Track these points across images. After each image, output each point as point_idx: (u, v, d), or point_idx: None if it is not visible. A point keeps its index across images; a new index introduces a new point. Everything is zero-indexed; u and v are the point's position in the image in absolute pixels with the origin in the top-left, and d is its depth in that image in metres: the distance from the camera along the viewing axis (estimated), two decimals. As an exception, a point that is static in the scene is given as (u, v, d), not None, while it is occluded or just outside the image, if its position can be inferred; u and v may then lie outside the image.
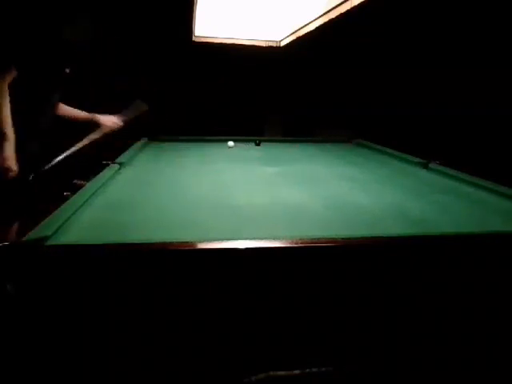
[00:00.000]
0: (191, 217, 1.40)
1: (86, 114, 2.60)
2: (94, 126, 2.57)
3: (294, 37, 2.65)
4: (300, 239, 1.14)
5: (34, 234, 1.12)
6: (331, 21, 2.02)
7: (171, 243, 1.09)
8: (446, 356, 1.15)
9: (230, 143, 3.07)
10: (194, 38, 2.93)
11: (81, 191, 1.57)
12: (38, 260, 1.03)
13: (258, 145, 3.14)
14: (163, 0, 3.78)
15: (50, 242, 1.09)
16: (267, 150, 2.99)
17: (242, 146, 3.09)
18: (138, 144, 2.87)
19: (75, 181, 1.48)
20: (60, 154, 2.45)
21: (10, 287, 0.98)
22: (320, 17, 2.13)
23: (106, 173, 1.93)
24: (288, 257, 1.12)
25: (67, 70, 2.54)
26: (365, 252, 1.14)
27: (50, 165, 2.35)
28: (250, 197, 1.66)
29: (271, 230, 1.28)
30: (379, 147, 2.95)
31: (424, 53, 3.66)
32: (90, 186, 1.67)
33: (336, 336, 1.11)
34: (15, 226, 1.29)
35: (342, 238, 1.15)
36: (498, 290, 1.18)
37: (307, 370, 1.07)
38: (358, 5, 1.76)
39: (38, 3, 2.80)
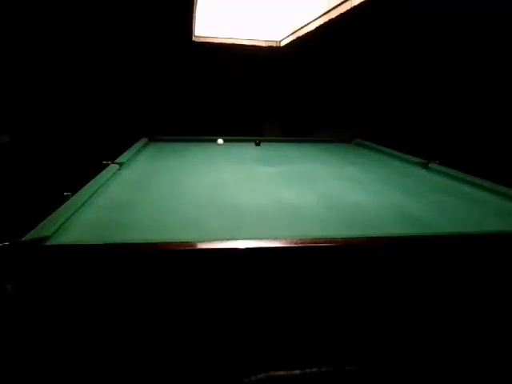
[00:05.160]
0: (191, 217, 1.40)
1: None
2: None
3: (294, 37, 2.65)
4: (300, 239, 1.14)
5: (33, 233, 1.12)
6: (331, 21, 2.02)
7: (171, 243, 1.09)
8: (445, 356, 1.15)
9: (220, 141, 3.10)
10: (193, 38, 2.92)
11: (81, 191, 1.57)
12: (37, 260, 1.03)
13: (258, 145, 3.14)
14: (163, 0, 3.78)
15: (49, 242, 1.09)
16: (267, 149, 2.99)
17: (241, 145, 3.09)
18: (138, 144, 2.87)
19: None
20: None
21: (10, 287, 0.98)
22: (320, 17, 2.13)
23: (105, 173, 1.93)
24: (288, 257, 1.12)
25: None
26: (365, 252, 1.14)
27: None
28: (250, 197, 1.66)
29: (271, 230, 1.28)
30: (379, 147, 2.95)
31: (424, 52, 3.66)
32: (90, 185, 1.67)
33: (336, 336, 1.11)
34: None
35: (342, 238, 1.16)
36: (498, 290, 1.17)
37: (307, 370, 1.07)
38: (358, 5, 1.76)
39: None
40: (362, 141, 3.29)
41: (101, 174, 1.88)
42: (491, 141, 3.18)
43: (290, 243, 1.12)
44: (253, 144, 3.16)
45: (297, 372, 1.07)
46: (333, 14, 1.97)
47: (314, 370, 1.07)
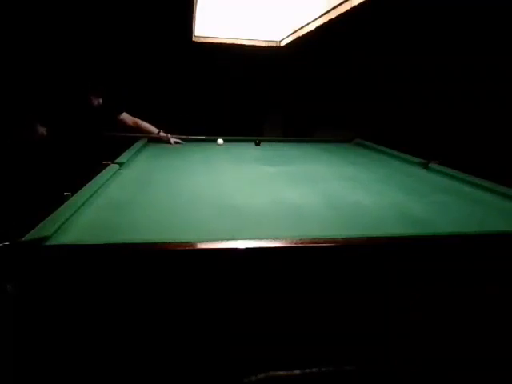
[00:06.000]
0: (191, 217, 1.40)
1: (155, 129, 3.24)
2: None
3: (294, 37, 2.65)
4: (300, 239, 1.14)
5: (33, 233, 1.12)
6: (331, 21, 2.02)
7: (171, 243, 1.09)
8: (445, 356, 1.14)
9: (220, 141, 3.12)
10: (193, 38, 2.92)
11: (81, 191, 1.57)
12: (37, 260, 1.03)
13: (258, 145, 3.14)
14: (163, 0, 3.78)
15: (49, 242, 1.09)
16: (267, 149, 2.99)
17: (241, 145, 3.09)
18: (138, 144, 2.87)
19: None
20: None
21: (10, 287, 0.98)
22: (320, 17, 2.13)
23: (105, 173, 1.93)
24: (288, 257, 1.11)
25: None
26: (365, 252, 1.14)
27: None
28: (250, 197, 1.66)
29: (272, 230, 1.28)
30: (379, 147, 2.95)
31: (425, 52, 3.66)
32: (90, 185, 1.67)
33: (336, 336, 1.11)
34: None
35: (343, 238, 1.15)
36: (499, 290, 1.17)
37: (307, 370, 1.07)
38: (358, 5, 1.75)
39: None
40: (362, 141, 3.30)
41: (101, 174, 1.88)
42: (491, 141, 3.17)
43: (289, 243, 1.12)
44: (253, 144, 3.16)
45: (297, 372, 1.07)
46: (333, 14, 1.97)
47: (314, 370, 1.07)
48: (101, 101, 3.13)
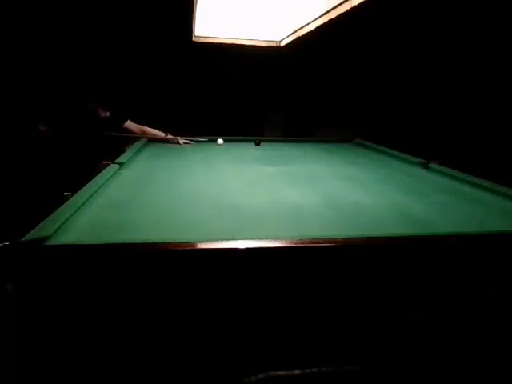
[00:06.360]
0: (191, 217, 1.40)
1: (162, 133, 3.24)
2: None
3: (294, 37, 2.65)
4: (300, 239, 1.14)
5: (33, 233, 1.12)
6: (331, 21, 2.02)
7: (171, 243, 1.09)
8: (445, 356, 1.14)
9: (220, 141, 3.14)
10: (193, 38, 2.93)
11: (81, 191, 1.57)
12: (37, 260, 1.03)
13: (258, 145, 3.14)
14: (163, 0, 3.78)
15: (49, 242, 1.09)
16: (267, 149, 2.99)
17: (241, 145, 3.09)
18: (138, 144, 2.87)
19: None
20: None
21: (10, 287, 0.98)
22: (320, 17, 2.13)
23: (105, 173, 1.92)
24: (288, 257, 1.11)
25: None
26: (365, 252, 1.14)
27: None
28: (250, 197, 1.66)
29: (272, 230, 1.28)
30: (379, 147, 2.95)
31: (425, 52, 3.66)
32: (90, 185, 1.67)
33: (336, 336, 1.11)
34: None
35: (343, 238, 1.15)
36: (499, 290, 1.17)
37: (307, 370, 1.07)
38: (358, 5, 1.75)
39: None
40: (362, 141, 3.29)
41: (101, 174, 1.88)
42: (491, 141, 3.17)
43: (289, 243, 1.12)
44: (253, 144, 3.16)
45: (297, 372, 1.07)
46: (333, 14, 1.97)
47: (314, 370, 1.07)
48: (108, 113, 3.11)
